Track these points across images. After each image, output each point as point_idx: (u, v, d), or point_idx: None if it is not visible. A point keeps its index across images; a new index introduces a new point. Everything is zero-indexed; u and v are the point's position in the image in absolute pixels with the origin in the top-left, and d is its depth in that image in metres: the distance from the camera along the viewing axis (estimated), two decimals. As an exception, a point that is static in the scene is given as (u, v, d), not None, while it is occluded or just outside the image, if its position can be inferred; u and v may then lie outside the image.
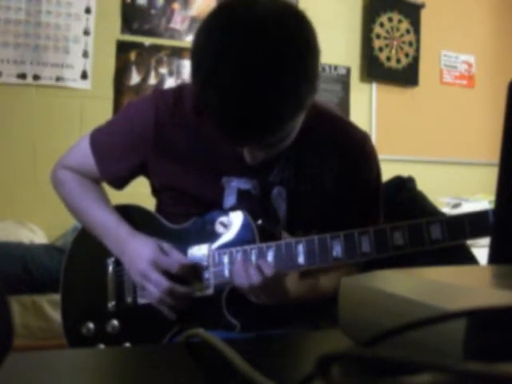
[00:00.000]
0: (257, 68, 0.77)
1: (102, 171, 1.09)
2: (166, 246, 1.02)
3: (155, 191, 1.13)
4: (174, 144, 1.02)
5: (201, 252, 1.02)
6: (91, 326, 1.07)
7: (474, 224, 0.89)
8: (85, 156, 1.10)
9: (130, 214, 1.11)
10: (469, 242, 1.35)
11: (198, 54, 0.82)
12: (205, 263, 1.02)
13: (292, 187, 1.03)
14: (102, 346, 1.06)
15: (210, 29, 0.81)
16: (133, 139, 1.04)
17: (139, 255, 1.00)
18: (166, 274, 0.98)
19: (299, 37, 0.80)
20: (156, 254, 0.99)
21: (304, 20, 0.82)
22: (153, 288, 0.98)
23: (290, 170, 1.03)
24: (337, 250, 0.93)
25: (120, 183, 1.11)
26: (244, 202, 1.02)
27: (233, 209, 1.02)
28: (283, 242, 0.96)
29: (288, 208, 1.03)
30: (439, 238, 0.90)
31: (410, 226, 0.91)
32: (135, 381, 0.45)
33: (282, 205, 1.03)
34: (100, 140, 1.09)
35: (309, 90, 0.82)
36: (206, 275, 1.01)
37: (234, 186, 1.02)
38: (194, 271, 1.01)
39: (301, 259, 0.95)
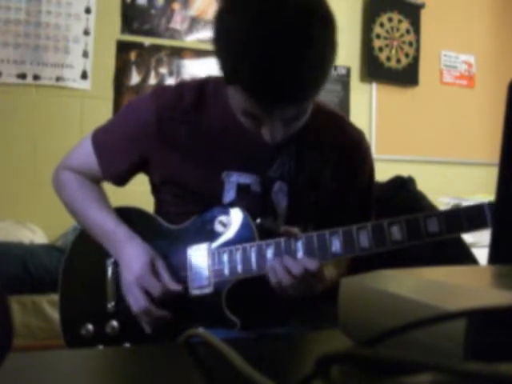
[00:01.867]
0: (289, 32, 0.80)
1: (104, 170, 1.10)
2: (160, 263, 1.02)
3: (155, 189, 1.14)
4: (175, 139, 1.03)
5: (200, 251, 1.03)
6: (90, 327, 1.07)
7: (470, 217, 0.90)
8: (87, 156, 1.10)
9: (130, 217, 1.11)
10: (469, 241, 1.35)
11: (227, 34, 0.84)
12: (203, 264, 1.02)
13: (292, 181, 1.04)
14: (101, 348, 1.06)
15: (233, 10, 0.84)
16: (134, 135, 1.05)
17: (130, 266, 1.01)
18: (148, 293, 0.99)
19: (322, 6, 0.85)
20: (143, 272, 0.99)
21: None
22: (132, 302, 1.00)
23: (291, 164, 1.04)
24: (336, 245, 0.94)
25: (121, 180, 1.12)
26: (243, 197, 1.02)
27: (232, 204, 1.02)
28: (282, 240, 0.96)
29: (288, 203, 1.04)
30: (436, 232, 0.91)
31: (408, 221, 0.92)
32: (135, 381, 0.45)
33: (282, 200, 1.04)
34: (101, 139, 1.10)
35: (333, 57, 0.86)
36: (206, 274, 1.02)
37: (233, 180, 1.03)
38: (177, 297, 1.01)
39: (300, 256, 0.95)
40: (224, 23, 0.85)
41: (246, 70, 0.82)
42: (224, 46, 0.85)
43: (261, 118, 0.90)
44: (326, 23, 0.84)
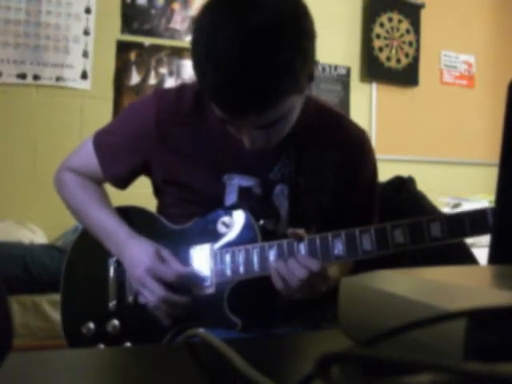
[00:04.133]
0: (250, 38, 0.78)
1: (106, 171, 1.10)
2: (165, 252, 1.02)
3: (157, 191, 1.14)
4: (175, 141, 1.03)
5: (203, 251, 1.03)
6: (91, 325, 1.07)
7: (473, 222, 0.90)
8: (88, 157, 1.10)
9: (132, 216, 1.11)
10: (469, 241, 1.35)
11: (195, 34, 0.84)
12: (206, 264, 1.02)
13: (293, 183, 1.04)
14: (101, 346, 1.06)
15: (206, 10, 0.84)
16: (135, 138, 1.05)
17: (137, 261, 1.00)
18: (163, 281, 0.99)
19: (293, 14, 0.82)
20: (153, 262, 0.99)
21: (300, 3, 0.85)
22: (149, 295, 0.99)
23: (291, 167, 1.04)
24: (338, 248, 0.94)
25: (123, 183, 1.12)
26: (245, 199, 1.02)
27: (233, 207, 1.02)
28: (285, 242, 0.96)
29: (289, 205, 1.04)
30: (439, 236, 0.91)
31: (411, 224, 0.92)
32: (135, 381, 0.45)
33: (283, 202, 1.04)
34: (103, 141, 1.10)
35: (302, 67, 0.83)
36: (208, 274, 1.02)
37: (235, 183, 1.03)
38: (191, 280, 1.01)
39: (302, 254, 0.95)
40: (193, 31, 0.86)
41: (204, 81, 0.83)
42: (192, 52, 0.85)
43: (235, 125, 0.90)
44: (296, 34, 0.82)
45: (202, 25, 0.83)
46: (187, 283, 1.01)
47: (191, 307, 1.01)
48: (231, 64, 0.78)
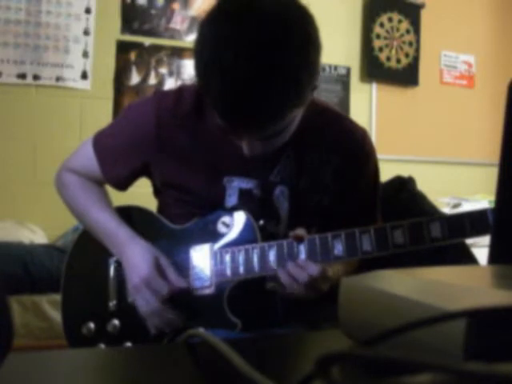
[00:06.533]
0: (258, 53, 0.77)
1: (105, 173, 1.10)
2: (164, 261, 1.02)
3: (157, 192, 1.14)
4: (175, 144, 1.03)
5: (203, 251, 1.03)
6: (92, 325, 1.07)
7: (473, 223, 0.90)
8: (88, 159, 1.10)
9: (132, 216, 1.11)
10: (469, 241, 1.35)
11: (201, 43, 0.83)
12: (206, 264, 1.02)
13: (293, 185, 1.04)
14: (102, 346, 1.06)
15: (212, 18, 0.82)
16: (134, 141, 1.05)
17: (135, 267, 1.01)
18: (157, 293, 0.99)
19: (301, 27, 0.81)
20: (151, 272, 0.99)
21: (307, 14, 0.84)
22: (142, 304, 1.00)
23: (292, 168, 1.03)
24: (338, 248, 0.94)
25: (123, 185, 1.12)
26: (245, 201, 1.02)
27: (234, 209, 1.02)
28: (285, 242, 0.96)
29: (290, 207, 1.04)
30: (439, 237, 0.91)
31: (411, 225, 0.92)
32: (135, 381, 0.45)
33: (284, 204, 1.04)
34: (103, 143, 1.10)
35: (308, 81, 0.83)
36: (208, 274, 1.02)
37: (235, 185, 1.02)
38: (186, 296, 1.01)
39: (302, 258, 0.95)
40: (198, 41, 0.84)
41: (208, 91, 0.82)
42: (196, 61, 0.84)
43: (236, 135, 0.90)
44: (303, 49, 0.80)
45: (206, 36, 0.82)
46: (183, 294, 1.01)
47: (182, 323, 1.01)
48: (236, 79, 0.77)
